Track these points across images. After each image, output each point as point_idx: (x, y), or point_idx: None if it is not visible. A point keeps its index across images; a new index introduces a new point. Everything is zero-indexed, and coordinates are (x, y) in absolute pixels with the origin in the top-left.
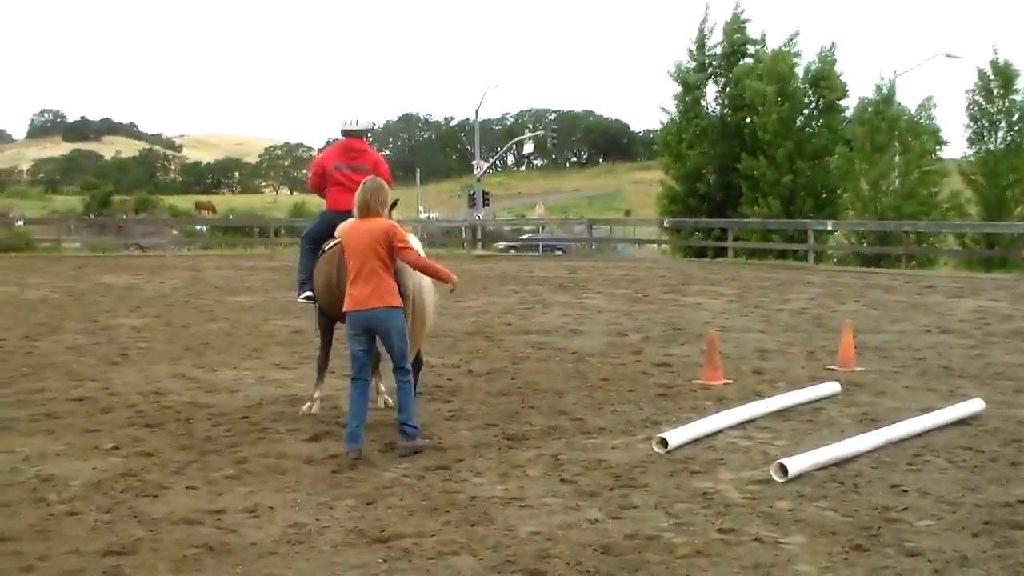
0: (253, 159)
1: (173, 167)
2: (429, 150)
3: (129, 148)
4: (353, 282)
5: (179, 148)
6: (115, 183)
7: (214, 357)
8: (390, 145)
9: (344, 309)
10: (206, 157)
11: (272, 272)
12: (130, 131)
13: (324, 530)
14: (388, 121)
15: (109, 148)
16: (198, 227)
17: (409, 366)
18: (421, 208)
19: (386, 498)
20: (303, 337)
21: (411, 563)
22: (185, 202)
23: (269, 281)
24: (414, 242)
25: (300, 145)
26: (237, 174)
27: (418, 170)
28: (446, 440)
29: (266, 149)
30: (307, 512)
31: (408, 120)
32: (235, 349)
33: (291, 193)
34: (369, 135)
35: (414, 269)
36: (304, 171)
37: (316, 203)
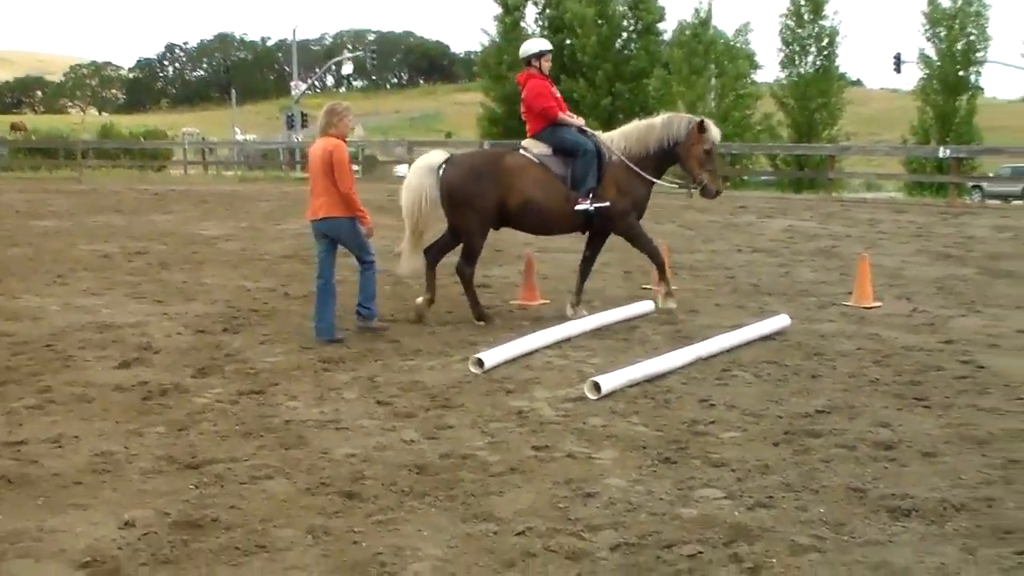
0: (57, 78)
1: None
2: (245, 70)
3: None
4: (311, 193)
5: None
6: None
7: (15, 284)
8: (203, 65)
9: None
10: (3, 75)
11: (79, 196)
12: None
13: (133, 458)
14: (202, 40)
15: None
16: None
17: (370, 258)
18: (237, 130)
19: (198, 424)
20: (112, 262)
21: (223, 488)
22: None
23: (76, 205)
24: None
25: (108, 64)
26: (39, 93)
27: (234, 91)
28: (260, 364)
29: (71, 67)
30: (115, 440)
31: (223, 40)
32: (38, 275)
33: (100, 114)
34: (533, 63)
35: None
36: (113, 91)
37: (126, 124)
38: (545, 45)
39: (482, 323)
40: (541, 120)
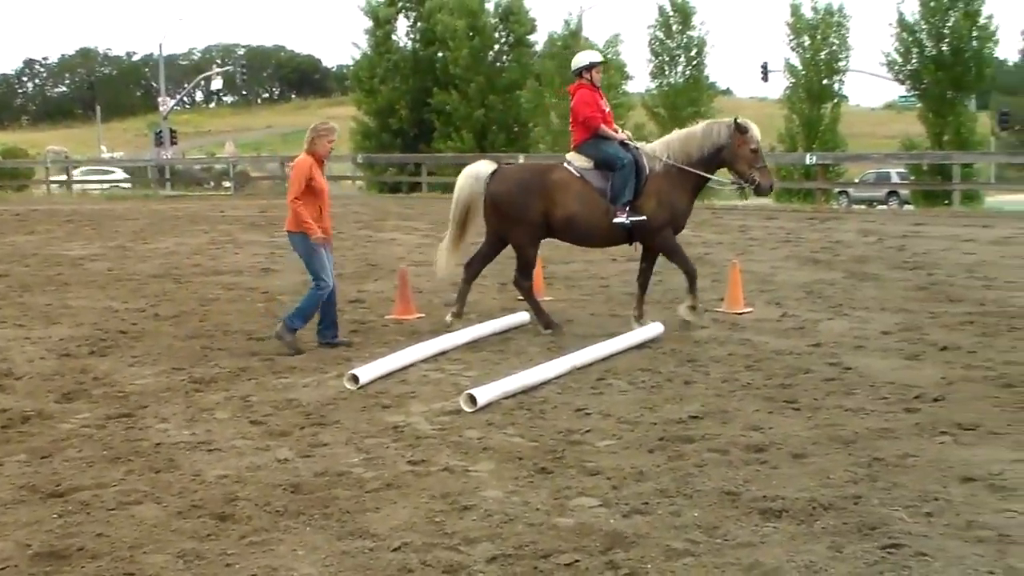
0: None
1: None
2: (110, 86)
3: None
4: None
5: None
6: None
7: None
8: (66, 81)
9: None
10: None
11: None
12: None
13: None
14: (63, 55)
15: None
16: None
17: (315, 279)
18: (103, 147)
19: (63, 451)
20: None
21: (89, 515)
22: None
23: None
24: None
25: None
26: None
27: (98, 107)
28: (129, 387)
29: None
30: None
31: (86, 54)
32: None
33: None
34: (584, 74)
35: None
36: None
37: (10, 142)
38: (596, 57)
39: (549, 331)
40: (583, 130)
